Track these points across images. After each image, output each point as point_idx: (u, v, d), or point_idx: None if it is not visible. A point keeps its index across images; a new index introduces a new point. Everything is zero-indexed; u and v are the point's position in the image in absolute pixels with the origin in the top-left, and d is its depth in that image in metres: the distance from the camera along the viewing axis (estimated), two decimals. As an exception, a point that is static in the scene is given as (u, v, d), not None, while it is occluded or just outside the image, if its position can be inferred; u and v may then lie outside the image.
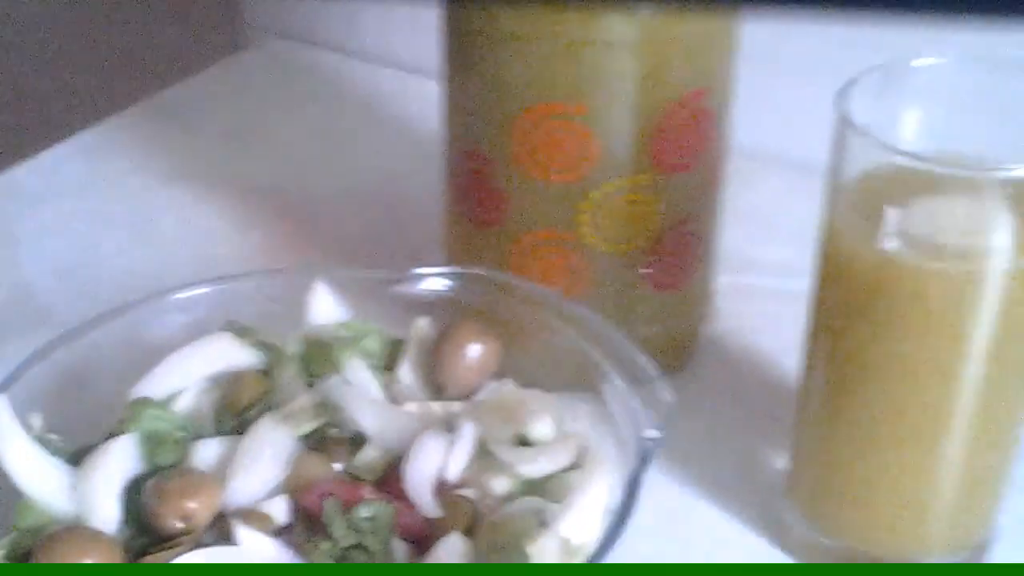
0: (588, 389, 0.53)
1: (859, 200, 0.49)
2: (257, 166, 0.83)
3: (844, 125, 0.47)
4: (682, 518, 0.54)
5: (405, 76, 0.91)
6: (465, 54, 0.59)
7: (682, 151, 0.58)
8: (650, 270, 0.60)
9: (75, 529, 0.48)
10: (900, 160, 0.46)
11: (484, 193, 0.59)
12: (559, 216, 0.58)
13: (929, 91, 0.49)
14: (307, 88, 0.92)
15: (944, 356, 0.48)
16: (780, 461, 0.58)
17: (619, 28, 0.54)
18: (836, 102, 0.48)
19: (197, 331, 0.57)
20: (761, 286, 0.69)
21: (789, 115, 0.77)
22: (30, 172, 0.82)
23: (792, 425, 0.56)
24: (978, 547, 0.53)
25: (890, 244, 0.47)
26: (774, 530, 0.55)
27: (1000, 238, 0.47)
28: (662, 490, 0.49)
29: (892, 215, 0.48)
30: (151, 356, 0.55)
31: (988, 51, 0.48)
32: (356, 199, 0.79)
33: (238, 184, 0.81)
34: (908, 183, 0.47)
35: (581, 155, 0.56)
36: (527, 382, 0.55)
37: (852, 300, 0.49)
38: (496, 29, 0.56)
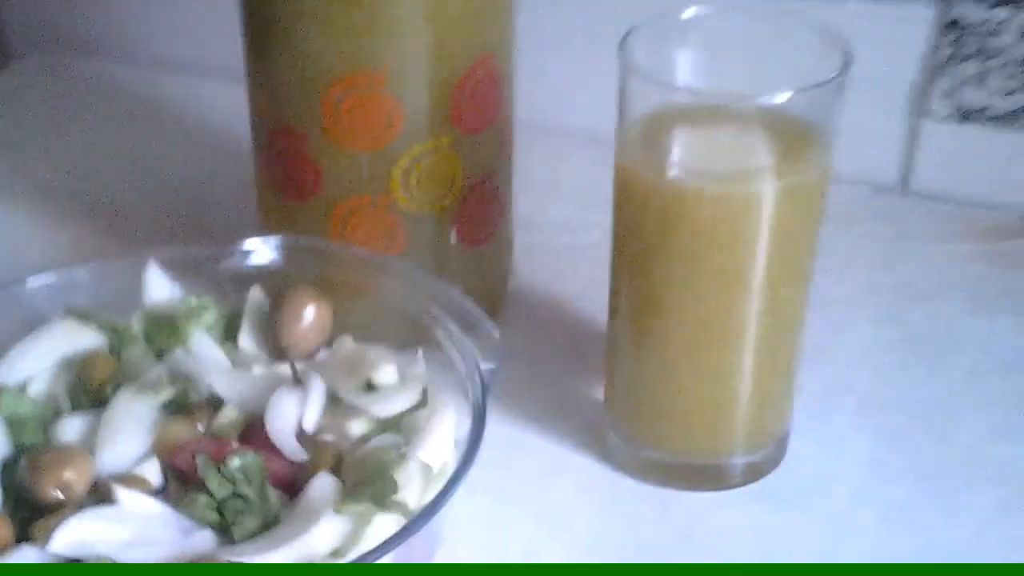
0: (420, 339, 0.58)
1: (644, 138, 0.55)
2: (53, 172, 0.85)
3: (626, 70, 0.54)
4: (517, 449, 0.60)
5: (177, 77, 0.95)
6: (266, 34, 0.62)
7: (477, 113, 0.63)
8: (457, 227, 0.65)
9: (-37, 508, 0.50)
10: (677, 97, 0.53)
11: (298, 167, 0.63)
12: (372, 182, 0.62)
13: (697, 39, 0.56)
14: (84, 95, 0.94)
15: (727, 269, 0.55)
16: (592, 390, 0.64)
17: (408, 2, 0.59)
18: (618, 51, 0.54)
19: (37, 321, 0.59)
20: (552, 243, 0.76)
21: (560, 87, 0.84)
22: None
23: (602, 356, 0.62)
24: (778, 443, 0.60)
25: (673, 173, 0.54)
26: (599, 449, 0.61)
27: (762, 161, 0.54)
28: (494, 427, 0.54)
29: (673, 148, 0.55)
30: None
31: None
32: (156, 194, 0.82)
33: (38, 189, 0.82)
34: (685, 119, 0.54)
35: (387, 123, 0.61)
36: (362, 339, 0.60)
37: (645, 227, 0.55)
38: (295, 7, 0.60)
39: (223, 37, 0.93)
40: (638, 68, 0.53)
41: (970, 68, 0.77)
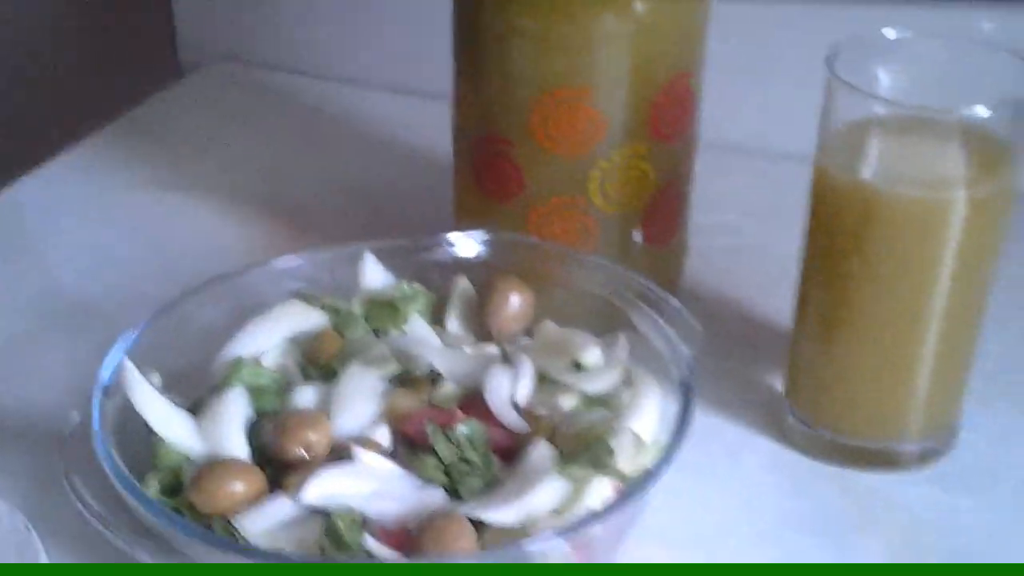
0: (618, 326, 0.63)
1: (845, 143, 0.60)
2: (239, 174, 0.91)
3: (833, 80, 0.58)
4: (703, 431, 0.64)
5: (351, 90, 1.01)
6: (477, 49, 0.68)
7: (670, 125, 0.68)
8: (644, 227, 0.70)
9: (226, 461, 0.56)
10: (879, 107, 0.58)
11: (503, 171, 0.69)
12: (572, 184, 0.68)
13: (895, 58, 0.61)
14: (265, 105, 1.00)
15: (916, 268, 0.59)
16: (766, 378, 0.69)
17: (616, 23, 0.65)
18: (826, 62, 0.59)
19: (260, 306, 0.65)
20: (715, 245, 0.80)
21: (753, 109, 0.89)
22: (30, 190, 0.89)
23: (770, 347, 0.67)
24: (950, 430, 0.64)
25: (871, 177, 0.59)
26: (777, 432, 0.66)
27: (955, 172, 0.59)
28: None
29: (872, 154, 0.59)
30: (226, 329, 0.64)
31: (939, 25, 0.61)
32: (345, 197, 0.88)
33: (233, 191, 0.88)
34: (885, 127, 0.59)
35: (589, 131, 0.66)
36: (563, 325, 0.65)
37: (840, 226, 0.60)
38: (506, 26, 0.66)
39: (402, 54, 1.00)
40: (845, 79, 0.58)
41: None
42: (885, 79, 0.60)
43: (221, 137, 0.96)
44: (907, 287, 0.60)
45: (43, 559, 0.56)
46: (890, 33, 0.61)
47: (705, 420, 0.66)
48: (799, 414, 0.65)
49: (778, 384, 0.68)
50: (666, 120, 0.67)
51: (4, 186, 0.88)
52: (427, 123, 0.86)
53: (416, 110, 0.96)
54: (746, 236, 0.82)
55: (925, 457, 0.64)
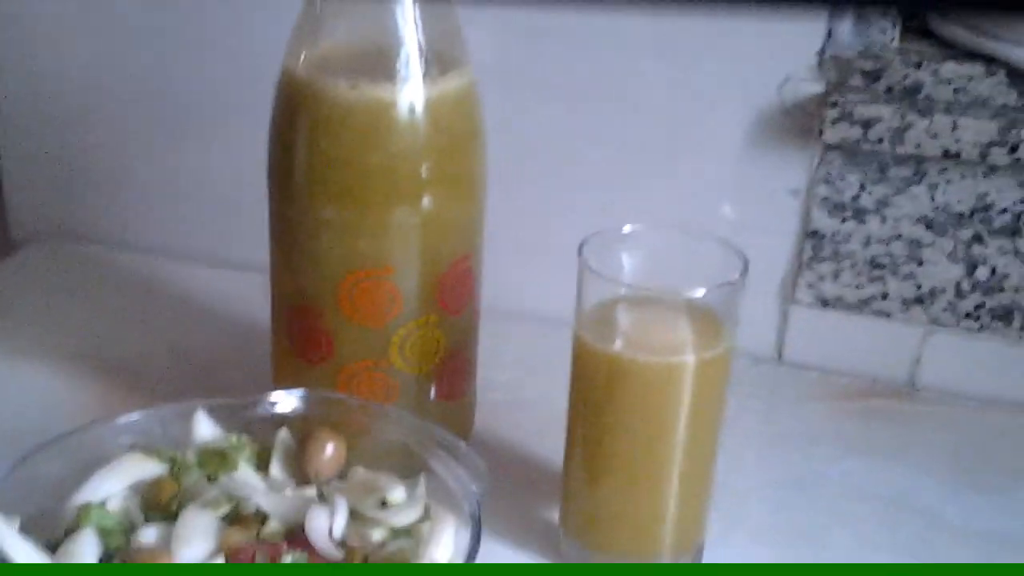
0: (417, 469, 0.75)
1: (596, 319, 0.73)
2: (71, 339, 0.99)
3: (584, 267, 0.72)
4: (488, 557, 0.75)
5: (176, 264, 1.12)
6: (289, 233, 0.79)
7: (456, 299, 0.80)
8: (436, 385, 0.82)
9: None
10: (622, 290, 0.72)
11: (314, 337, 0.80)
12: (375, 349, 0.79)
13: (634, 246, 0.75)
14: (93, 276, 1.10)
15: (657, 418, 0.72)
16: (544, 512, 0.81)
17: (407, 215, 0.77)
18: (578, 253, 0.72)
19: (100, 458, 0.74)
20: (501, 399, 0.93)
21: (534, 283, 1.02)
22: None
23: (549, 486, 0.79)
24: (697, 547, 0.77)
25: (616, 347, 0.72)
26: (554, 556, 0.78)
27: (684, 339, 0.72)
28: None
29: (617, 327, 0.73)
30: (68, 483, 0.73)
31: (673, 220, 0.75)
32: (170, 359, 0.97)
33: (59, 354, 0.97)
34: (627, 305, 0.73)
35: (390, 304, 0.78)
36: (371, 469, 0.76)
37: (595, 385, 0.73)
38: (313, 215, 0.77)
39: (220, 230, 1.10)
40: (592, 267, 0.71)
41: (826, 267, 0.97)
42: (627, 263, 0.74)
43: (53, 306, 1.05)
44: (651, 432, 0.73)
45: None
46: (628, 228, 0.75)
47: (492, 548, 0.78)
48: (571, 539, 0.77)
49: (555, 516, 0.80)
50: (452, 295, 0.80)
51: None
52: (247, 293, 0.97)
53: (236, 281, 1.06)
54: (527, 390, 0.94)
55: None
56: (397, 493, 0.73)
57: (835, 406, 0.95)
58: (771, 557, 0.79)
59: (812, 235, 0.96)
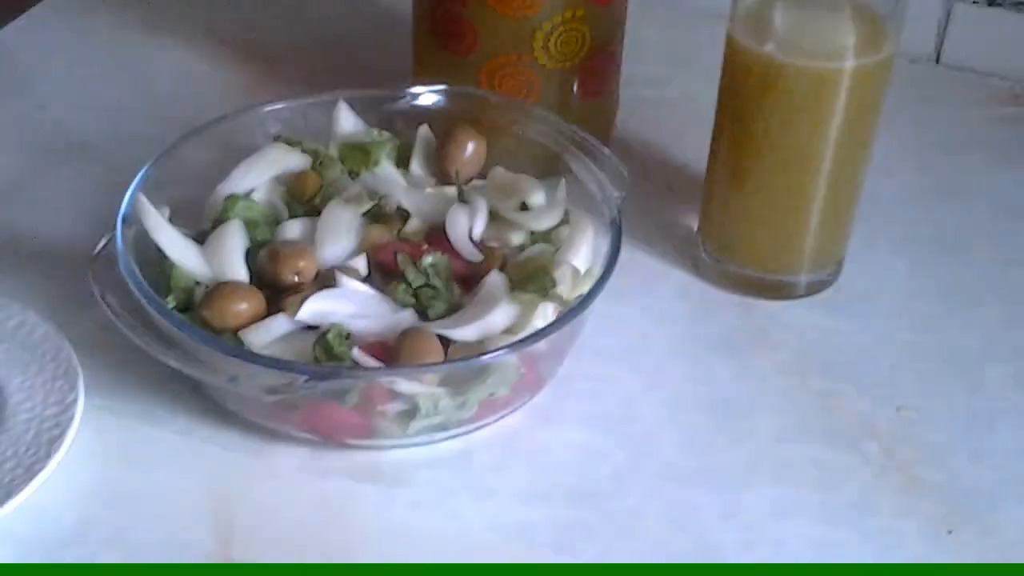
0: (558, 171, 0.74)
1: (750, 15, 0.70)
2: (221, 19, 0.99)
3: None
4: (624, 264, 0.74)
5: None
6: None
7: (605, -9, 0.78)
8: (580, 81, 0.80)
9: (231, 283, 0.66)
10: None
11: (457, 27, 0.78)
12: (519, 43, 0.77)
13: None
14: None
15: (809, 127, 0.70)
16: (683, 217, 0.80)
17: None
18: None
19: (246, 148, 0.75)
20: (643, 95, 0.90)
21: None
22: (17, 32, 0.96)
23: (688, 190, 0.78)
24: (836, 265, 0.76)
25: (772, 48, 0.69)
26: (690, 265, 0.77)
27: (844, 43, 0.68)
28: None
29: (774, 27, 0.69)
30: (218, 167, 0.73)
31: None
32: (316, 45, 0.96)
33: (210, 35, 0.97)
34: (786, 3, 0.69)
35: (534, -4, 0.76)
36: (510, 170, 0.75)
37: (746, 90, 0.71)
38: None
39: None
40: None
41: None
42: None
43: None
44: (800, 142, 0.71)
45: (75, 363, 0.66)
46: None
47: (630, 254, 0.78)
48: (709, 249, 0.76)
49: (693, 223, 0.79)
50: (601, -14, 0.77)
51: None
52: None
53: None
54: (671, 87, 0.92)
55: (814, 287, 0.76)
56: (537, 197, 0.73)
57: (992, 113, 0.92)
58: (910, 269, 0.78)
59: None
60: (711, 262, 0.77)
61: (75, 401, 0.64)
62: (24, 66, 0.93)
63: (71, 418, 0.64)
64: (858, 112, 0.70)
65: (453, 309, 0.67)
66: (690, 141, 0.82)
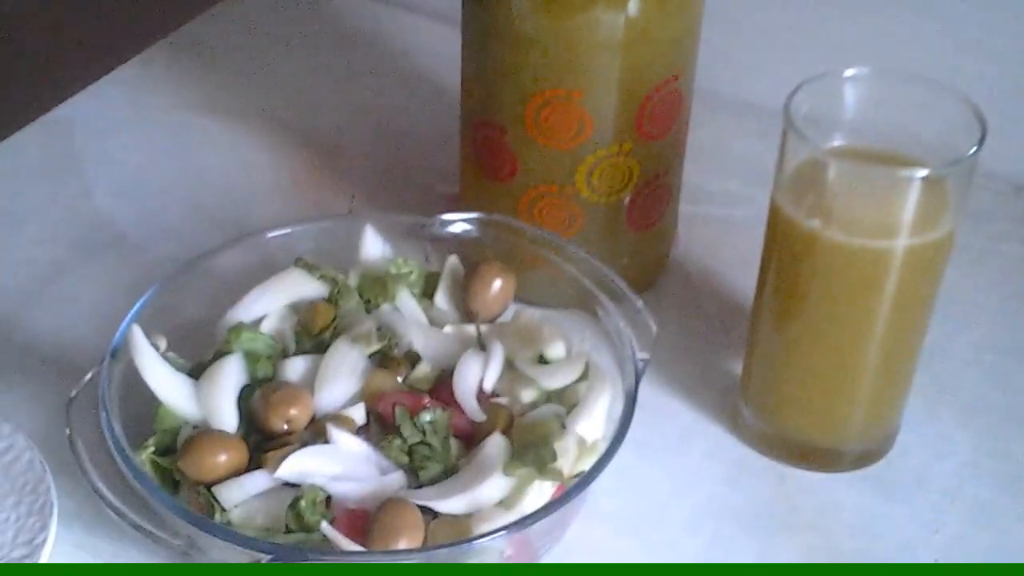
0: (587, 313, 0.69)
1: (796, 185, 0.64)
2: (276, 101, 0.96)
3: (788, 125, 0.62)
4: (657, 412, 0.70)
5: (406, 16, 1.05)
6: (483, 46, 0.72)
7: (658, 124, 0.72)
8: (629, 215, 0.75)
9: (213, 433, 0.63)
10: (826, 158, 0.62)
11: (499, 156, 0.74)
12: (560, 175, 0.72)
13: (857, 94, 0.64)
14: (310, 25, 1.04)
15: (860, 303, 0.64)
16: (732, 364, 0.74)
17: (609, 31, 0.68)
18: (784, 106, 0.62)
19: (271, 264, 0.71)
20: (713, 214, 0.85)
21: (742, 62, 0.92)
22: (75, 108, 0.94)
23: (745, 334, 0.72)
24: (888, 436, 0.70)
25: (815, 223, 0.63)
26: (729, 420, 0.72)
27: (897, 219, 0.62)
28: (641, 389, 0.65)
29: (818, 196, 0.63)
30: (234, 288, 0.70)
31: (904, 65, 0.64)
32: (373, 135, 0.93)
33: (264, 117, 0.94)
34: (835, 171, 0.62)
35: (579, 129, 0.71)
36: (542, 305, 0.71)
37: (790, 259, 0.65)
38: (509, 30, 0.70)
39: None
40: (798, 125, 0.61)
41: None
42: (845, 116, 0.64)
43: (262, 60, 1.01)
44: (846, 319, 0.65)
45: (52, 498, 0.64)
46: (849, 71, 0.64)
47: (665, 400, 0.72)
48: (751, 405, 0.70)
49: (739, 370, 0.73)
50: (653, 121, 0.72)
51: (59, 102, 0.94)
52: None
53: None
54: (744, 206, 0.85)
55: (861, 459, 0.69)
56: (556, 349, 0.68)
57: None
58: (974, 445, 0.71)
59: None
60: (751, 420, 0.71)
61: (44, 543, 0.62)
62: (78, 146, 0.91)
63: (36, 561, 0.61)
64: (912, 291, 0.64)
65: (447, 471, 0.63)
66: (753, 270, 0.75)
